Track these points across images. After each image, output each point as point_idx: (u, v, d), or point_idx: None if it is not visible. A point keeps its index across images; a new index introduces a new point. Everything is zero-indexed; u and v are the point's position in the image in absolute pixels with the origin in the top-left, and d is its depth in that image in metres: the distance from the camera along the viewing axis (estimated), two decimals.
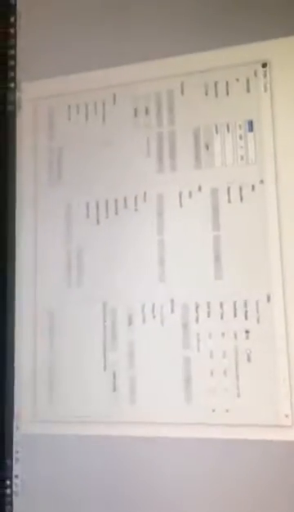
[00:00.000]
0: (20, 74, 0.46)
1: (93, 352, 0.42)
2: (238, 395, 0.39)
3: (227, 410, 0.40)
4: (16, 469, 0.43)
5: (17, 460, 0.43)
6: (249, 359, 0.40)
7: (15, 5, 0.47)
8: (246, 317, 0.40)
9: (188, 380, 0.41)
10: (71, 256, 0.44)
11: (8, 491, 0.42)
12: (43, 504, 0.43)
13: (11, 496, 0.43)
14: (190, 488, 0.40)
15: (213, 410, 0.40)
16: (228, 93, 0.43)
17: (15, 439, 0.43)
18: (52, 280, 0.44)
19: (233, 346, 0.40)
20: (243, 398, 0.39)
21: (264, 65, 0.42)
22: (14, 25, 0.47)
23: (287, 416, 0.38)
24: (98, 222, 0.44)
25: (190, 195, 0.43)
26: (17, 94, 0.46)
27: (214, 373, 0.40)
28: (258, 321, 0.40)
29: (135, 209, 0.43)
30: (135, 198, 0.44)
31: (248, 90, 0.42)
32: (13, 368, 0.44)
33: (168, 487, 0.40)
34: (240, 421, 0.40)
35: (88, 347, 0.42)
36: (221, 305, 0.41)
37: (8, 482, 0.43)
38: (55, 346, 0.44)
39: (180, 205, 0.42)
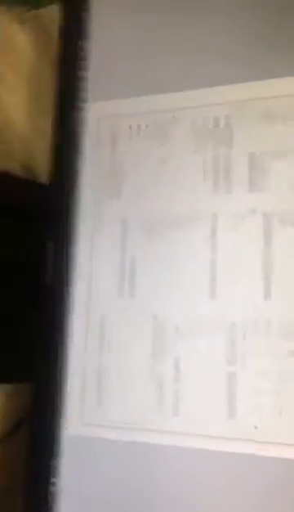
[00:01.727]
0: (87, 94, 0.49)
1: (141, 361, 0.44)
2: (281, 413, 0.40)
3: (269, 428, 0.41)
4: (61, 469, 0.45)
5: (62, 460, 0.45)
6: (293, 379, 0.41)
7: (87, 28, 0.50)
8: (292, 338, 0.41)
9: (232, 396, 0.42)
10: (125, 268, 0.46)
11: (52, 491, 0.44)
12: (85, 506, 0.44)
13: (54, 496, 0.45)
14: (230, 500, 0.41)
15: (255, 427, 0.41)
16: (286, 121, 0.44)
17: (61, 440, 0.45)
18: (106, 289, 0.46)
19: (278, 365, 0.41)
20: (286, 417, 0.40)
21: None
22: (85, 48, 0.50)
23: None
24: (153, 237, 0.46)
25: (243, 217, 0.44)
26: (84, 113, 0.49)
27: (258, 390, 0.41)
28: None
29: (189, 228, 0.45)
30: (190, 216, 0.45)
31: None
32: (65, 370, 0.46)
33: (200, 494, 0.41)
34: (283, 440, 0.40)
35: (136, 356, 0.44)
36: (269, 324, 0.42)
37: (52, 483, 0.44)
38: (104, 352, 0.45)
39: (233, 226, 0.44)
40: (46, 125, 0.50)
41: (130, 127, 0.47)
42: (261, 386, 0.41)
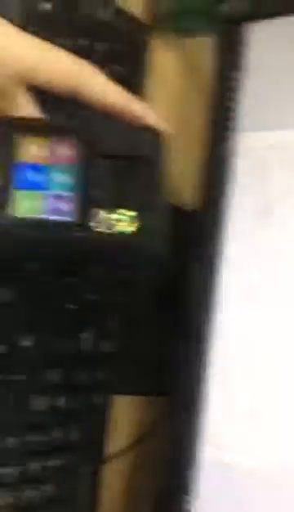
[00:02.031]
0: (238, 124, 0.50)
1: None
2: None
3: None
4: (194, 487, 0.46)
5: (197, 478, 0.46)
6: None
7: (242, 60, 0.51)
8: None
9: None
10: None
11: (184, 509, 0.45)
12: None
13: None
14: None
15: None
16: None
17: (197, 459, 0.46)
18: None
19: None
20: None
21: None
22: (238, 79, 0.51)
23: None
24: None
25: None
26: (234, 143, 0.50)
27: None
28: None
29: None
30: None
31: None
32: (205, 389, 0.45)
33: None
34: None
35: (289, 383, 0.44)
36: None
37: (185, 500, 0.45)
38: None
39: None
40: (196, 154, 0.52)
41: (281, 159, 0.48)
42: None
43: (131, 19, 0.54)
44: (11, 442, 0.42)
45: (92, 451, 0.49)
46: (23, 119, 0.31)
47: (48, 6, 0.46)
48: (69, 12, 0.48)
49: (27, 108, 0.31)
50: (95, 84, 0.31)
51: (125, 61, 0.53)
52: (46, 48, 0.30)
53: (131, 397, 0.53)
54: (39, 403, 0.44)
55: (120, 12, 0.52)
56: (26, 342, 0.43)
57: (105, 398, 0.49)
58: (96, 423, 0.49)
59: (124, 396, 0.52)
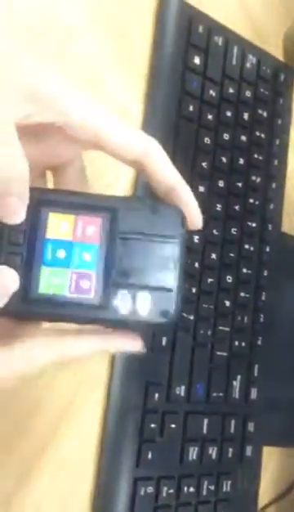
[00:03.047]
0: None
1: None
2: None
3: None
4: None
5: None
6: None
7: None
8: None
9: None
10: None
11: None
12: None
13: None
14: None
15: None
16: None
17: None
18: None
19: None
20: None
21: None
22: None
23: None
24: None
25: None
26: None
27: None
28: None
29: None
30: None
31: None
32: None
33: None
34: None
35: None
36: None
37: None
38: None
39: None
40: None
41: None
42: None
43: (275, 62, 0.54)
44: (164, 490, 0.42)
45: (245, 503, 0.47)
46: (53, 191, 0.31)
47: (197, 61, 0.47)
48: (217, 65, 0.49)
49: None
50: (160, 162, 0.30)
51: (268, 105, 0.53)
52: (121, 123, 0.29)
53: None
54: (191, 453, 0.44)
55: (265, 57, 0.53)
56: (179, 391, 0.43)
57: (257, 449, 0.48)
58: (249, 474, 0.47)
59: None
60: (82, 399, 0.41)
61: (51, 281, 0.29)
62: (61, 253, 0.29)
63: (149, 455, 0.42)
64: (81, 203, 0.29)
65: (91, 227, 0.29)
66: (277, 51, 0.57)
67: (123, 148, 0.29)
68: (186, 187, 0.30)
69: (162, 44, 0.47)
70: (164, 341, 0.43)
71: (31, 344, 0.28)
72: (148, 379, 0.42)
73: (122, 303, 0.29)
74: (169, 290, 0.29)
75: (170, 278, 0.29)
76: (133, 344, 0.30)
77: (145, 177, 0.31)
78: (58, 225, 0.29)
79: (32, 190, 0.28)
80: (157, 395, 0.42)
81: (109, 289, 0.29)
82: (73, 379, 0.40)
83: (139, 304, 0.29)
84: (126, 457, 0.41)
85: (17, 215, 0.27)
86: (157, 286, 0.29)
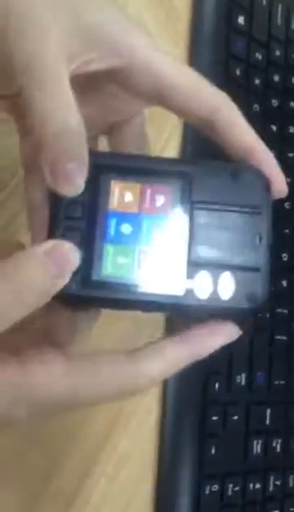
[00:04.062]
0: None
1: None
2: None
3: None
4: None
5: None
6: None
7: None
8: None
9: None
10: None
11: None
12: None
13: None
14: None
15: None
16: None
17: None
18: None
19: None
20: None
21: None
22: None
23: None
24: None
25: None
26: None
27: None
28: None
29: None
30: None
31: None
32: None
33: None
34: None
35: None
36: None
37: None
38: None
39: None
40: None
41: None
42: None
43: None
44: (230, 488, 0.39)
45: None
46: (114, 155, 0.27)
47: (241, 20, 0.43)
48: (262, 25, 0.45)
49: None
50: (233, 119, 0.25)
51: None
52: (189, 71, 0.25)
53: None
54: (255, 447, 0.40)
55: None
56: (240, 379, 0.40)
57: None
58: None
59: None
60: (136, 399, 0.37)
61: (116, 261, 0.24)
62: (127, 229, 0.25)
63: (213, 451, 0.38)
64: (147, 168, 0.25)
65: (161, 197, 0.25)
66: None
67: (191, 102, 0.25)
68: (266, 149, 0.26)
69: (204, 4, 0.43)
70: None
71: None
72: (206, 368, 0.39)
73: (201, 286, 0.24)
74: (255, 270, 0.24)
75: (256, 255, 0.25)
76: (229, 335, 0.25)
77: (216, 139, 0.26)
78: (122, 195, 0.25)
79: (90, 153, 0.23)
80: (217, 385, 0.39)
81: (184, 270, 0.24)
82: None
83: (220, 287, 0.24)
84: (187, 453, 0.38)
85: (76, 185, 0.23)
86: (241, 265, 0.24)
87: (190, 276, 0.24)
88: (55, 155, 0.22)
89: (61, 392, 0.21)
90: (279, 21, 0.46)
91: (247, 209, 0.25)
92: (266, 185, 0.25)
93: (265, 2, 0.45)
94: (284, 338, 0.43)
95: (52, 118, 0.21)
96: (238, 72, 0.43)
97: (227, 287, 0.24)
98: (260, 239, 0.25)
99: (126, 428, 0.36)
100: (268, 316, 0.42)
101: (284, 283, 0.44)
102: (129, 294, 0.24)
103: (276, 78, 0.45)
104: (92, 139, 0.27)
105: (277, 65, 0.46)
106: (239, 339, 0.25)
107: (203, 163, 0.26)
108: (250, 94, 0.44)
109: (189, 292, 0.24)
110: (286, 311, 0.44)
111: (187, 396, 0.38)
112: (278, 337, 0.43)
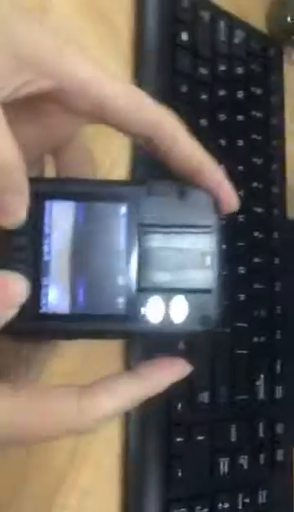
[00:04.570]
0: None
1: None
2: None
3: None
4: None
5: None
6: None
7: None
8: None
9: None
10: None
11: None
12: None
13: None
14: None
15: None
16: None
17: None
18: None
19: None
20: None
21: None
22: None
23: None
24: None
25: None
26: None
27: None
28: None
29: None
30: None
31: None
32: None
33: None
34: None
35: None
36: None
37: None
38: None
39: None
40: None
41: None
42: None
43: (263, 38, 0.51)
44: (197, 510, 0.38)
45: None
46: (57, 180, 0.26)
47: (185, 36, 0.43)
48: (205, 41, 0.45)
49: None
50: (176, 135, 0.24)
51: (261, 82, 0.49)
52: (128, 87, 0.24)
53: None
54: (222, 466, 0.40)
55: (252, 32, 0.49)
56: (203, 398, 0.39)
57: (288, 452, 0.44)
58: (282, 480, 0.43)
59: None
60: None
61: (63, 290, 0.24)
62: (72, 256, 0.24)
63: (179, 473, 0.37)
64: (91, 192, 0.24)
65: (106, 221, 0.24)
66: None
67: (131, 120, 0.24)
68: (214, 165, 0.25)
69: (146, 21, 0.43)
70: (180, 344, 0.39)
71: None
72: (168, 388, 0.38)
73: (153, 311, 0.24)
74: (207, 291, 0.24)
75: (207, 277, 0.24)
76: (181, 371, 0.25)
77: (162, 157, 0.25)
78: (66, 221, 0.24)
79: (30, 180, 0.23)
80: (180, 405, 0.38)
81: (134, 296, 0.24)
82: None
83: (173, 311, 0.24)
84: (153, 478, 0.37)
85: (16, 215, 0.22)
86: (192, 288, 0.24)
87: (141, 301, 0.24)
88: None
89: (5, 429, 0.20)
90: (223, 37, 0.47)
91: (195, 230, 0.25)
92: (214, 204, 0.25)
93: (207, 18, 0.46)
94: (245, 352, 0.43)
95: None
96: (183, 88, 0.43)
97: (179, 311, 0.24)
98: (211, 259, 0.25)
99: (86, 456, 0.35)
100: (228, 330, 0.42)
101: (242, 296, 0.44)
102: (79, 324, 0.24)
103: (222, 92, 0.46)
104: (37, 162, 0.27)
105: (222, 80, 0.46)
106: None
107: (149, 183, 0.25)
108: (197, 109, 0.44)
109: (142, 318, 0.24)
110: (246, 324, 0.43)
111: (150, 419, 0.37)
112: (239, 351, 0.43)
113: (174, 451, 0.37)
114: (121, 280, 0.24)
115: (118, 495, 0.36)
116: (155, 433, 0.37)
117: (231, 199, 0.25)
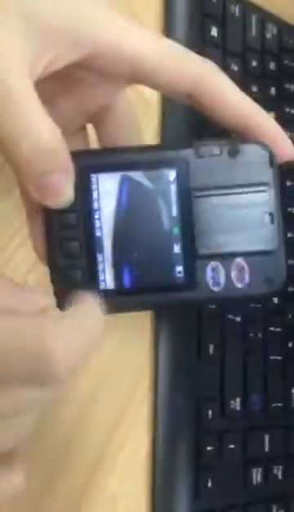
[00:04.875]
0: None
1: None
2: None
3: None
4: None
5: None
6: None
7: None
8: None
9: None
10: None
11: None
12: None
13: None
14: None
15: None
16: None
17: None
18: None
19: None
20: None
21: None
22: None
23: None
24: None
25: None
26: None
27: None
28: None
29: None
30: None
31: None
32: None
33: None
34: None
35: None
36: None
37: None
38: None
39: None
40: None
41: None
42: None
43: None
44: None
45: None
46: (100, 151, 0.26)
47: (214, 32, 0.42)
48: (236, 36, 0.44)
49: None
50: (222, 87, 0.23)
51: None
52: (165, 43, 0.23)
53: None
54: (255, 476, 0.38)
55: (284, 27, 0.48)
56: (235, 405, 0.38)
57: None
58: None
59: None
60: (124, 431, 0.35)
61: (121, 264, 0.23)
62: (126, 228, 0.23)
63: (209, 484, 0.36)
64: (138, 160, 0.23)
65: (159, 188, 0.23)
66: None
67: (171, 78, 0.23)
68: (264, 113, 0.24)
69: (175, 17, 0.42)
70: (211, 349, 0.38)
71: None
72: (199, 393, 0.37)
73: (215, 278, 0.23)
74: (269, 253, 0.23)
75: (268, 236, 0.23)
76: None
77: (209, 113, 0.24)
78: (115, 193, 0.23)
79: (74, 155, 0.22)
80: (210, 412, 0.37)
81: (195, 263, 0.23)
82: (113, 406, 0.35)
83: (235, 276, 0.23)
84: (182, 488, 0.35)
85: (64, 195, 0.22)
86: (254, 250, 0.23)
87: (202, 269, 0.23)
88: (36, 172, 0.21)
89: None
90: (254, 32, 0.46)
91: (252, 189, 0.23)
92: (269, 157, 0.23)
93: (237, 13, 0.44)
94: (279, 358, 0.41)
95: (23, 141, 0.20)
96: None
97: (242, 275, 0.23)
98: (271, 217, 0.23)
99: (113, 465, 0.34)
100: (260, 335, 0.40)
101: (275, 300, 0.42)
102: (141, 297, 0.23)
103: (254, 89, 0.44)
104: (81, 128, 0.26)
105: (254, 76, 0.44)
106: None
107: (197, 144, 0.24)
108: None
109: (204, 285, 0.23)
110: (279, 329, 0.42)
111: (179, 427, 0.36)
112: (273, 357, 0.41)
113: (204, 460, 0.36)
114: (177, 249, 0.23)
115: (145, 505, 0.35)
116: (185, 441, 0.36)
117: (287, 145, 0.24)
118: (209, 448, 0.36)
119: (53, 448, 0.32)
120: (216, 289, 0.23)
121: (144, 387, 0.36)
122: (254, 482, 0.38)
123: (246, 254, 0.23)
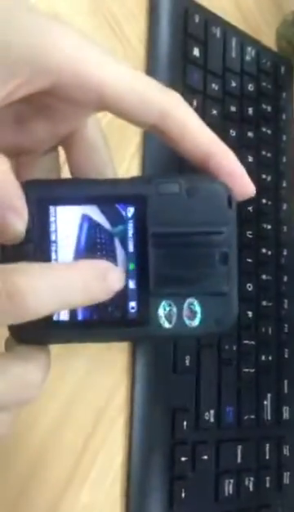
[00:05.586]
0: None
1: None
2: None
3: None
4: None
5: None
6: None
7: None
8: None
9: None
10: None
11: None
12: None
13: None
14: None
15: None
16: None
17: None
18: None
19: None
20: None
21: None
22: None
23: None
24: None
25: None
26: None
27: None
28: None
29: None
30: None
31: None
32: None
33: None
34: None
35: None
36: None
37: None
38: None
39: None
40: None
41: None
42: None
43: (273, 55, 0.51)
44: None
45: None
46: (56, 182, 0.25)
47: (196, 52, 0.43)
48: (217, 57, 0.45)
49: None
50: (185, 120, 0.23)
51: (271, 99, 0.49)
52: (131, 73, 0.23)
53: None
54: (226, 487, 0.39)
55: (263, 50, 0.49)
56: (209, 416, 0.38)
57: None
58: (288, 505, 0.42)
59: None
60: (101, 436, 0.35)
61: None
62: None
63: (183, 494, 0.36)
64: (96, 194, 0.23)
65: (115, 225, 0.23)
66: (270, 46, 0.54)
67: (136, 108, 0.22)
68: (226, 150, 0.23)
69: (158, 36, 0.43)
70: (188, 361, 0.39)
71: None
72: (174, 405, 0.37)
73: (166, 315, 0.23)
74: (221, 294, 0.23)
75: (221, 278, 0.23)
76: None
77: (173, 145, 0.24)
78: (71, 227, 0.23)
79: (32, 185, 0.22)
80: (185, 423, 0.37)
81: (148, 300, 0.23)
82: (89, 416, 0.35)
83: (186, 315, 0.23)
84: (156, 499, 0.36)
85: (13, 233, 0.21)
86: (207, 291, 0.23)
87: (154, 305, 0.23)
88: None
89: None
90: (234, 53, 0.47)
91: (208, 228, 0.23)
92: (228, 198, 0.23)
93: (219, 35, 0.46)
94: (252, 370, 0.42)
95: None
96: (194, 103, 0.43)
97: (193, 314, 0.23)
98: (226, 259, 0.23)
99: (87, 477, 0.34)
100: (234, 348, 0.41)
101: (249, 313, 0.43)
102: (89, 329, 0.23)
103: (232, 108, 0.45)
104: (51, 150, 0.26)
105: (233, 96, 0.46)
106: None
107: (156, 181, 0.24)
108: (207, 125, 0.43)
109: (156, 322, 0.23)
110: (253, 342, 0.43)
111: (153, 437, 0.36)
112: (246, 370, 0.42)
113: (178, 470, 0.36)
114: (132, 285, 0.23)
115: None
116: (159, 452, 0.36)
117: (246, 184, 0.24)
118: (183, 459, 0.37)
119: (27, 460, 0.32)
120: (167, 326, 0.23)
121: (120, 398, 0.36)
122: (226, 493, 0.39)
123: (198, 294, 0.23)
